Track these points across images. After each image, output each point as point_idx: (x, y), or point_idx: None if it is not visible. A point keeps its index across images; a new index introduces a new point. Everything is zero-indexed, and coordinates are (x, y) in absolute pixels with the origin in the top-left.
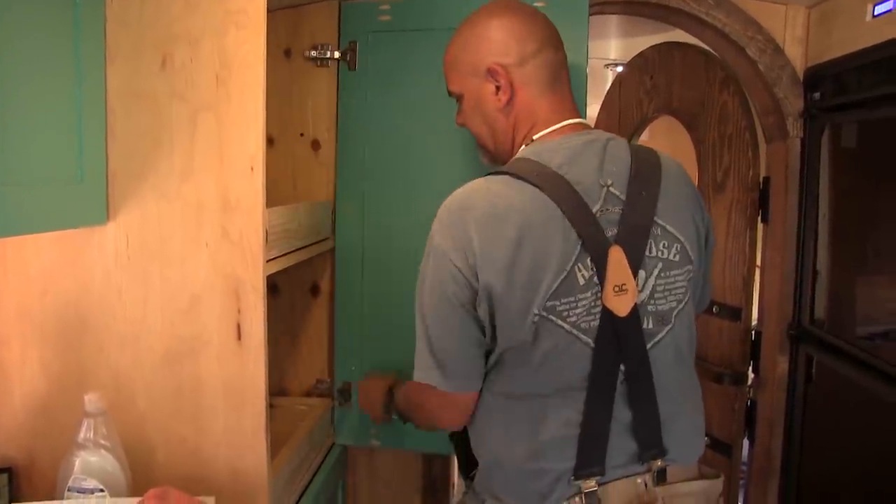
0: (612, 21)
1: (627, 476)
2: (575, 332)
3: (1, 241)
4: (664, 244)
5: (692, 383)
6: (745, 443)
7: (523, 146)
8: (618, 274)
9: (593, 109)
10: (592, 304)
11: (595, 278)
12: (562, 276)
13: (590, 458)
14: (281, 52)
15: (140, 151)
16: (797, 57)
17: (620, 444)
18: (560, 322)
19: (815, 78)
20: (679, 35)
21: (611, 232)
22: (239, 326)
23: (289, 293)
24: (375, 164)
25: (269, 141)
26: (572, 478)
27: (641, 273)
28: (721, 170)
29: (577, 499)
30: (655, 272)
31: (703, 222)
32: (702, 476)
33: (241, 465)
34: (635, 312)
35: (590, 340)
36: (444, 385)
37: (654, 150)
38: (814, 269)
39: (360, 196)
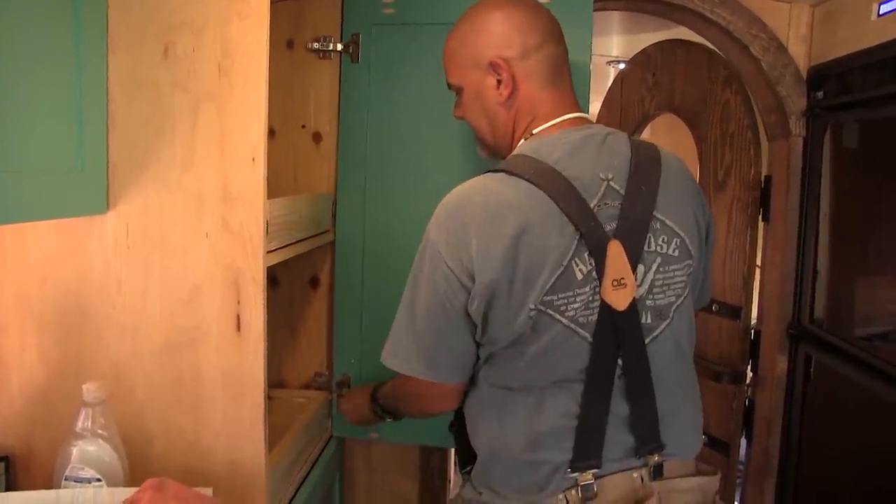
0: (615, 17)
1: (624, 470)
2: (573, 326)
3: (0, 229)
4: (663, 239)
5: (691, 379)
6: (743, 441)
7: (522, 140)
8: (616, 268)
9: (595, 106)
10: (591, 298)
11: (594, 273)
12: (559, 271)
13: (587, 451)
14: (283, 43)
15: (141, 141)
16: (801, 55)
17: (618, 437)
18: (558, 316)
19: (819, 76)
20: (682, 33)
21: (610, 226)
22: (238, 317)
23: (288, 285)
24: (377, 158)
25: (271, 133)
26: (569, 470)
27: (640, 268)
28: (722, 168)
29: (573, 491)
30: (654, 267)
31: (704, 217)
32: (699, 473)
33: (239, 456)
34: (634, 307)
35: (587, 335)
36: (429, 376)
37: (654, 144)
38: (814, 269)
39: (361, 189)
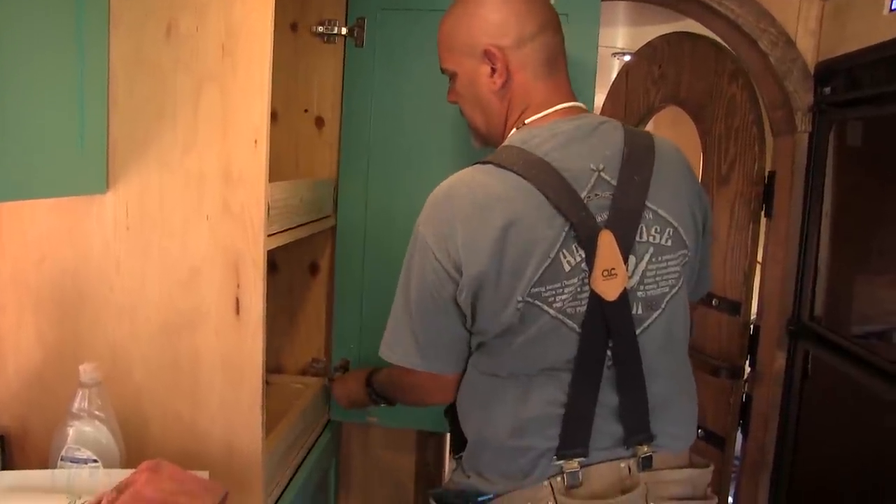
0: (620, 8)
1: (612, 460)
2: (560, 317)
3: None
4: (656, 229)
5: (685, 371)
6: (739, 436)
7: (514, 130)
8: (607, 258)
9: (598, 99)
10: (579, 289)
11: (583, 264)
12: (546, 263)
13: (573, 439)
14: (287, 26)
15: (142, 121)
16: (809, 50)
17: (606, 427)
18: (545, 307)
19: (827, 72)
20: (689, 25)
21: (601, 217)
22: (238, 301)
23: (287, 271)
24: (380, 144)
25: (273, 117)
26: (555, 457)
27: (632, 258)
28: (726, 162)
29: (558, 478)
30: (647, 257)
31: (701, 206)
32: (692, 465)
33: (236, 440)
34: (625, 297)
35: (576, 325)
36: (426, 367)
37: (649, 133)
38: (815, 266)
39: (363, 175)
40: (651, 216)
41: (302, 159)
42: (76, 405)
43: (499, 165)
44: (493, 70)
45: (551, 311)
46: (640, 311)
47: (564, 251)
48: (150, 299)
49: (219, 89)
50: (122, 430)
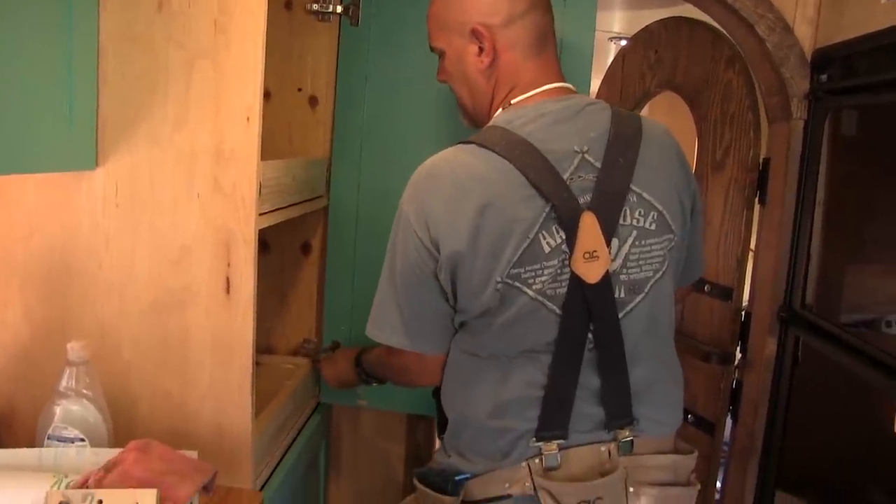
0: None
1: (591, 443)
2: (540, 298)
3: None
4: (640, 212)
5: (669, 356)
6: (729, 422)
7: (500, 110)
8: (589, 240)
9: (594, 83)
10: (559, 271)
11: (563, 245)
12: (525, 244)
13: (552, 421)
14: (282, 3)
15: (133, 97)
16: (806, 37)
17: (586, 410)
18: (525, 289)
19: (824, 59)
20: (686, 10)
21: (584, 199)
22: (228, 279)
23: (279, 251)
24: (374, 123)
25: (266, 95)
26: (534, 439)
27: (615, 241)
28: (721, 148)
29: (537, 460)
30: (630, 240)
31: (689, 190)
32: (676, 451)
33: (226, 421)
34: (607, 280)
35: (555, 307)
36: (411, 346)
37: (637, 115)
38: (808, 254)
39: (356, 155)
40: (635, 199)
41: (295, 139)
42: (63, 383)
43: (481, 145)
44: (481, 49)
45: (530, 293)
46: (622, 295)
47: (544, 232)
48: (139, 277)
49: (211, 66)
50: (110, 409)
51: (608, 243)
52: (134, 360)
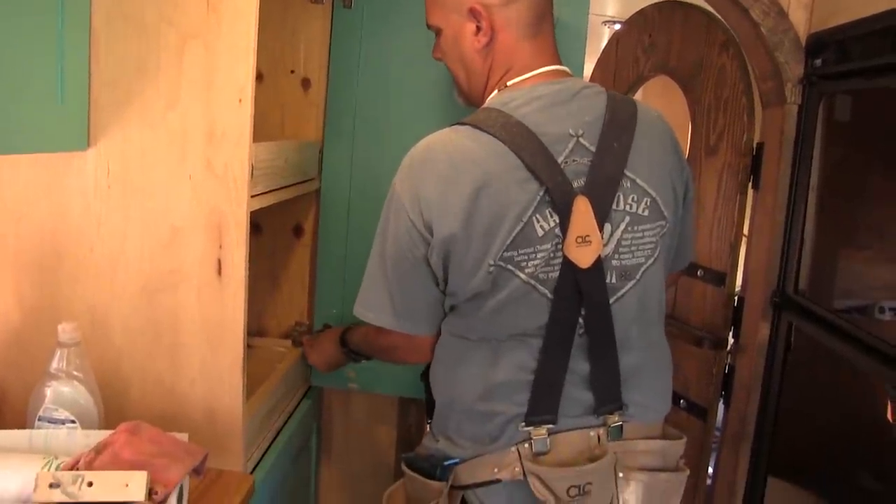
0: None
1: (581, 428)
2: (532, 282)
3: None
4: (633, 198)
5: (659, 342)
6: (721, 407)
7: (495, 91)
8: (582, 224)
9: (588, 67)
10: (552, 254)
11: (557, 229)
12: (518, 227)
13: (542, 406)
14: None
15: (125, 77)
16: (801, 22)
17: (576, 395)
18: (517, 272)
19: (818, 44)
20: None
21: (577, 183)
22: (220, 262)
23: (271, 233)
24: (367, 106)
25: (259, 77)
26: (523, 423)
27: (607, 226)
28: (715, 133)
29: (526, 445)
30: (622, 226)
31: (682, 177)
32: (664, 436)
33: (217, 403)
34: (598, 265)
35: (547, 291)
36: (400, 327)
37: (633, 100)
38: (801, 239)
39: (349, 137)
40: (629, 185)
41: (287, 121)
42: (54, 365)
43: (476, 127)
44: (478, 28)
45: (522, 276)
46: (614, 281)
47: (538, 216)
48: (130, 260)
49: (203, 46)
50: (101, 392)
51: (601, 228)
52: (125, 344)
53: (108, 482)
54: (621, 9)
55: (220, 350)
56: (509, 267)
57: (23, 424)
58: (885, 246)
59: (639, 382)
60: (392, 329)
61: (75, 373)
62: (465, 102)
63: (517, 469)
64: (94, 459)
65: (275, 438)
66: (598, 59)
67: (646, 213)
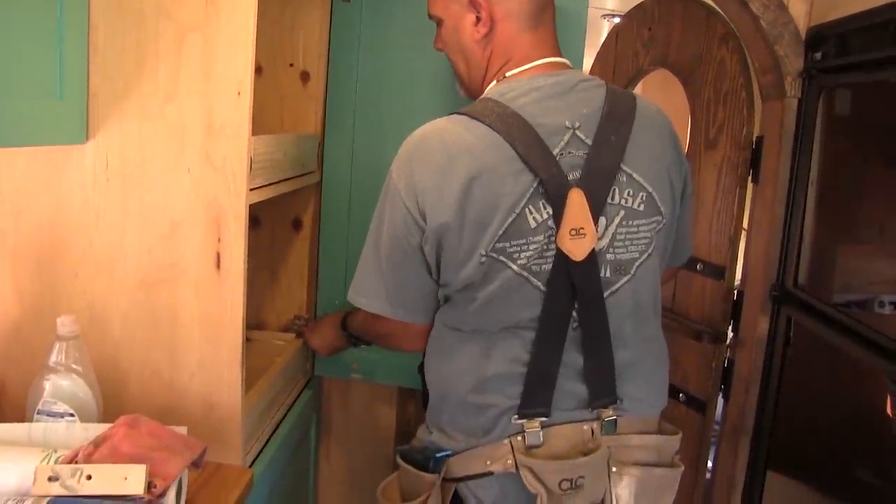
0: None
1: (574, 421)
2: (524, 273)
3: None
4: (629, 192)
5: (655, 337)
6: (720, 401)
7: (494, 82)
8: (576, 217)
9: (587, 61)
10: (545, 246)
11: (550, 221)
12: (511, 218)
13: (535, 399)
14: None
15: (123, 69)
16: (801, 15)
17: (570, 388)
18: (509, 263)
19: (818, 37)
20: None
21: (573, 175)
22: (219, 255)
23: (270, 226)
24: (366, 99)
25: (258, 70)
26: (516, 416)
27: (602, 219)
28: (714, 126)
29: (519, 437)
30: (617, 220)
31: (680, 173)
32: (660, 431)
33: (216, 398)
34: (593, 258)
35: (540, 283)
36: (393, 315)
37: (633, 94)
38: (800, 233)
39: (348, 131)
40: (625, 179)
41: (286, 114)
42: (53, 358)
43: (472, 116)
44: (478, 19)
45: (515, 267)
46: (608, 275)
47: (531, 207)
48: (129, 253)
49: (202, 38)
50: (99, 385)
51: (595, 221)
52: (123, 337)
53: (107, 475)
54: (620, 2)
55: (219, 343)
56: (501, 258)
57: (22, 418)
58: (885, 240)
59: (633, 376)
60: (384, 315)
61: (74, 366)
62: (465, 94)
63: (509, 462)
64: (93, 453)
65: (274, 432)
66: (598, 53)
67: (641, 208)
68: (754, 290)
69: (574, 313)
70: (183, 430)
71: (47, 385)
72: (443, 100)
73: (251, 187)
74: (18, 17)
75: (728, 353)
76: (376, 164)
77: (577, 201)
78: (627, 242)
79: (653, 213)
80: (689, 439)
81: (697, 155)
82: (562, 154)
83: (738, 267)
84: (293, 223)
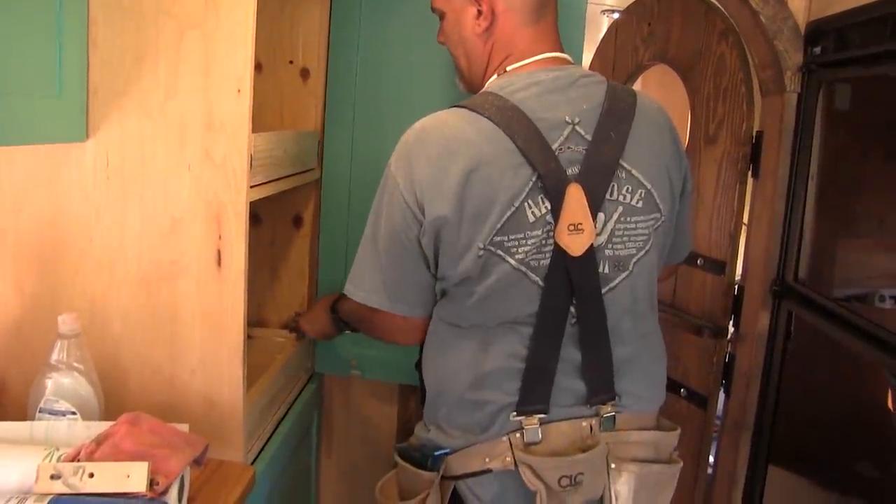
0: None
1: (573, 418)
2: (522, 268)
3: None
4: (628, 188)
5: (652, 333)
6: (721, 396)
7: (494, 76)
8: (574, 212)
9: (587, 57)
10: (543, 241)
11: (548, 216)
12: (510, 212)
13: (533, 395)
14: None
15: (123, 67)
16: (800, 10)
17: (568, 384)
18: (507, 257)
19: (818, 32)
20: None
21: (571, 170)
22: (219, 252)
23: (270, 224)
24: (366, 96)
25: (257, 67)
26: (514, 413)
27: (601, 215)
28: (714, 122)
29: (517, 434)
30: (615, 216)
31: (680, 170)
32: (658, 427)
33: (217, 395)
34: (591, 254)
35: (538, 279)
36: (390, 308)
37: (633, 90)
38: (801, 227)
39: (348, 128)
40: (624, 175)
41: (286, 111)
42: (55, 356)
43: (472, 109)
44: (479, 12)
45: (512, 262)
46: (607, 271)
47: (529, 201)
48: (129, 250)
49: (201, 36)
50: (101, 382)
51: (594, 217)
52: (124, 334)
53: (110, 473)
54: None
55: (220, 341)
56: (499, 252)
57: (24, 416)
58: (885, 234)
59: (631, 373)
60: (383, 309)
61: (76, 364)
62: (465, 88)
63: (508, 459)
64: (95, 450)
65: (275, 429)
66: (597, 49)
67: (639, 204)
68: (755, 284)
69: (572, 309)
70: (185, 427)
71: (49, 383)
72: (442, 95)
73: (251, 184)
74: (18, 15)
75: (729, 348)
76: (376, 160)
77: (575, 197)
78: (626, 239)
79: (651, 209)
80: (690, 434)
81: (697, 150)
82: (561, 149)
83: (738, 262)
84: (294, 220)
